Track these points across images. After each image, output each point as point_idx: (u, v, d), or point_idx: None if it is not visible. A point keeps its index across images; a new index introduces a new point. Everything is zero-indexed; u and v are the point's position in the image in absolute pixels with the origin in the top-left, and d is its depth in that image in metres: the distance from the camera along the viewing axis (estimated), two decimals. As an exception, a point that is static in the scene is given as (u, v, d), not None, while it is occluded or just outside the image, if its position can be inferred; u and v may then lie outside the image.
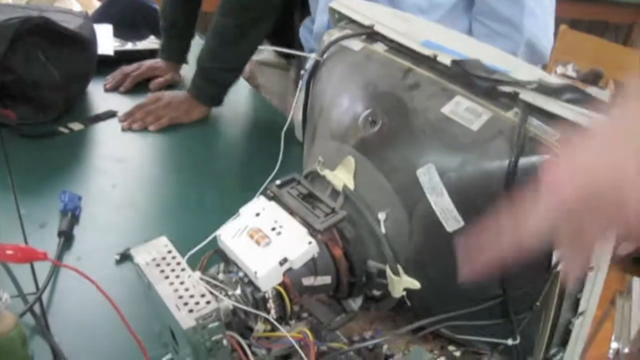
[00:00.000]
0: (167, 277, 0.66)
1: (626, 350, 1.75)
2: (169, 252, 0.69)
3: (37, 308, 0.97)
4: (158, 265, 0.68)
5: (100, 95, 1.64)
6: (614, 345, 1.79)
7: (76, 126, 1.46)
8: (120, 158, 1.38)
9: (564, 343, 0.79)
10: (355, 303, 0.78)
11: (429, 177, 0.68)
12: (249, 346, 0.72)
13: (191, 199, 1.26)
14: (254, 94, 1.79)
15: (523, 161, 0.65)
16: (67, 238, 1.11)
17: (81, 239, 1.12)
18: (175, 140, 1.48)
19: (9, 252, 0.47)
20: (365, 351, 0.77)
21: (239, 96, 1.70)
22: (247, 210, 0.75)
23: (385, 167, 0.72)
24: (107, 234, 1.15)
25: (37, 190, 1.24)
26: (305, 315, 0.79)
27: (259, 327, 0.73)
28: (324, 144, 0.79)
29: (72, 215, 1.15)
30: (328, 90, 0.81)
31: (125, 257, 1.07)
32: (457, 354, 0.83)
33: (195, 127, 1.53)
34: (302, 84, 0.88)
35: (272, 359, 0.74)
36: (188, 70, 1.71)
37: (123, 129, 1.48)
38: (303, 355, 0.70)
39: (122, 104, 1.58)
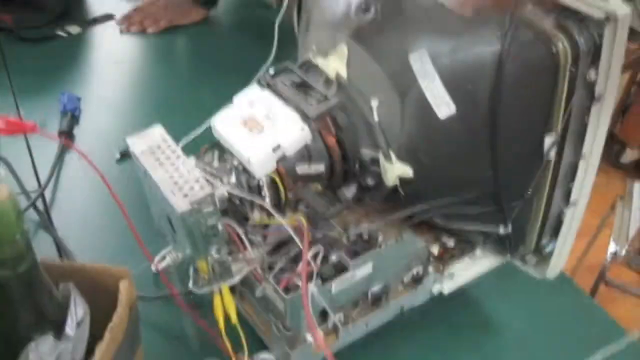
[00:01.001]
0: (162, 165, 0.67)
1: (623, 252, 1.78)
2: (164, 140, 0.70)
3: (40, 205, 0.99)
4: (153, 153, 0.68)
5: (98, -2, 1.62)
6: (612, 247, 1.82)
7: (74, 29, 1.45)
8: (118, 60, 1.38)
9: (555, 233, 0.80)
10: (349, 191, 0.79)
11: (421, 62, 0.67)
12: (245, 234, 0.73)
13: (189, 97, 1.26)
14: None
15: (515, 45, 0.65)
16: (67, 137, 1.12)
17: (81, 138, 1.14)
18: (173, 41, 1.47)
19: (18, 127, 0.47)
20: (360, 240, 0.79)
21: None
22: (241, 99, 0.75)
23: (378, 54, 0.72)
24: (107, 133, 1.16)
25: (36, 93, 1.24)
26: (301, 207, 0.80)
27: (255, 215, 0.75)
28: (317, 33, 0.79)
29: (71, 116, 1.16)
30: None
31: (125, 156, 1.08)
32: (451, 243, 0.85)
33: (193, 28, 1.51)
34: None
35: (267, 246, 0.76)
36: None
37: (121, 32, 1.47)
38: (298, 241, 0.71)
39: (119, 7, 1.56)
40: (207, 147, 0.78)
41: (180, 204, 0.63)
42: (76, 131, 1.16)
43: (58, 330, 0.50)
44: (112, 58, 1.38)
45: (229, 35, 1.54)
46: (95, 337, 0.51)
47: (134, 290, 0.54)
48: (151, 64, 1.42)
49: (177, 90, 1.30)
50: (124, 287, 0.53)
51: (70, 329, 0.50)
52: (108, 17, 1.51)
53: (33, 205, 0.97)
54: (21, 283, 0.48)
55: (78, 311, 0.51)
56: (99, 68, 1.36)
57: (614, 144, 2.98)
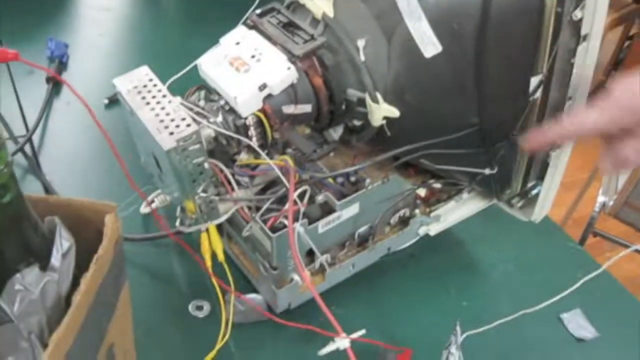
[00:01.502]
0: (148, 104, 0.67)
1: (611, 203, 1.78)
2: (150, 80, 0.70)
3: (28, 149, 0.99)
4: (139, 92, 0.68)
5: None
6: (601, 198, 1.83)
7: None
8: (107, 7, 1.37)
9: (541, 176, 0.81)
10: (336, 133, 0.80)
11: (407, 1, 0.67)
12: (232, 174, 0.74)
13: (179, 42, 1.26)
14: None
15: (501, -16, 0.64)
16: (55, 84, 1.11)
17: (70, 84, 1.13)
18: (163, -12, 1.46)
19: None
20: (347, 183, 0.79)
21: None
22: (227, 39, 0.75)
23: (363, -6, 0.71)
24: (95, 79, 1.16)
25: (23, 38, 1.23)
26: (289, 150, 0.80)
27: (242, 156, 0.75)
28: (305, -27, 0.78)
29: (59, 62, 1.15)
30: None
31: (113, 101, 1.08)
32: (437, 185, 0.85)
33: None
34: None
35: (255, 187, 0.76)
36: None
37: (109, -21, 1.45)
38: (285, 181, 0.71)
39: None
40: (194, 88, 0.78)
41: (166, 142, 0.64)
42: (64, 77, 1.15)
43: (44, 262, 0.51)
44: (100, 5, 1.37)
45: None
46: (80, 270, 0.51)
47: (120, 224, 0.54)
48: (139, 10, 1.40)
49: (166, 36, 1.29)
50: (109, 220, 0.53)
51: (55, 260, 0.51)
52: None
53: (21, 149, 0.97)
54: (5, 214, 0.48)
55: (63, 243, 0.51)
56: (88, 14, 1.35)
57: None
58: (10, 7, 1.29)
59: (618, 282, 0.90)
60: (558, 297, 0.81)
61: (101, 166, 0.98)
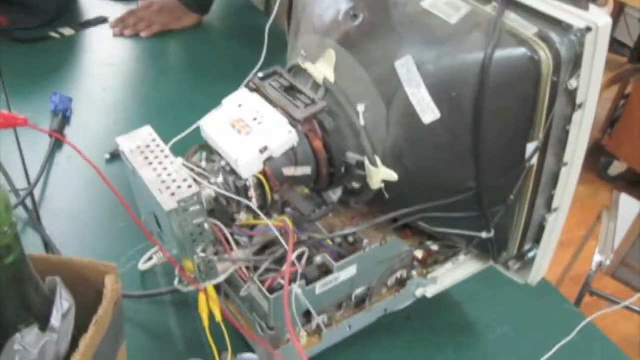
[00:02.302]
0: (150, 164, 0.68)
1: (608, 262, 1.79)
2: (153, 140, 0.71)
3: (29, 203, 1.00)
4: (142, 152, 0.70)
5: (91, 2, 1.63)
6: (597, 258, 1.83)
7: (67, 31, 1.46)
8: (111, 63, 1.39)
9: (538, 240, 0.81)
10: (335, 195, 0.81)
11: (406, 68, 0.69)
12: (231, 234, 0.74)
13: (180, 100, 1.28)
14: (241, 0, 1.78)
15: (499, 54, 0.66)
16: (57, 138, 1.13)
17: (72, 139, 1.14)
18: (166, 45, 1.49)
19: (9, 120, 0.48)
20: (345, 244, 0.80)
21: (228, 1, 1.70)
22: (230, 101, 0.76)
23: (365, 60, 0.73)
24: (97, 134, 1.17)
25: (28, 93, 1.25)
26: (288, 210, 0.81)
27: (242, 216, 0.76)
28: (307, 39, 0.80)
29: (62, 116, 1.17)
30: (311, -14, 0.82)
31: (115, 157, 1.09)
32: (435, 247, 0.86)
33: (185, 33, 1.53)
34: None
35: (254, 247, 0.77)
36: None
37: (115, 35, 1.48)
38: (283, 242, 0.72)
39: (113, 10, 1.58)
40: (196, 148, 0.79)
41: (167, 202, 0.64)
42: (67, 131, 1.17)
43: (44, 322, 0.51)
44: (105, 60, 1.40)
45: (221, 40, 1.56)
46: (80, 331, 0.52)
47: (120, 286, 0.55)
48: (144, 67, 1.43)
49: (169, 93, 1.31)
50: (109, 281, 0.54)
51: (55, 321, 0.51)
52: (102, 20, 1.53)
53: (22, 203, 0.98)
54: (8, 274, 0.49)
55: (64, 304, 0.52)
56: (92, 70, 1.37)
57: (602, 157, 3.00)
58: (17, 61, 1.31)
59: (612, 342, 0.90)
60: (553, 356, 0.81)
61: (101, 221, 0.99)
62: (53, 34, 1.44)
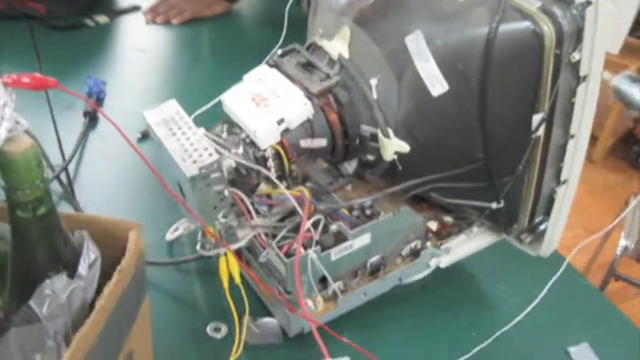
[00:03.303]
0: (174, 134, 0.73)
1: (632, 246, 1.80)
2: (177, 112, 0.75)
3: (64, 178, 1.05)
4: (167, 124, 0.74)
5: (124, -9, 1.69)
6: (622, 242, 1.84)
7: (102, 19, 1.51)
8: (144, 49, 1.44)
9: (548, 212, 0.84)
10: (351, 166, 0.84)
11: (416, 43, 0.72)
12: (252, 204, 0.79)
13: (210, 84, 1.32)
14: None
15: (503, 28, 0.69)
16: (91, 118, 1.18)
17: (105, 119, 1.19)
18: (197, 32, 1.53)
19: (25, 79, 0.53)
20: (362, 215, 0.84)
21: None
22: (250, 77, 0.80)
23: (377, 36, 0.76)
24: (130, 115, 1.21)
25: (64, 76, 1.28)
26: (307, 184, 0.85)
27: (262, 186, 0.80)
28: (323, 17, 0.84)
29: (96, 98, 1.22)
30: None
31: (146, 136, 1.14)
32: (448, 219, 0.89)
33: (216, 20, 1.58)
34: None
35: (273, 216, 0.81)
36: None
37: (147, 22, 1.53)
38: (300, 211, 0.76)
39: (146, -1, 1.63)
40: (221, 122, 0.83)
41: (190, 169, 0.69)
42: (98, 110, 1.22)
43: (71, 271, 0.56)
44: (138, 47, 1.45)
45: (250, 26, 1.60)
46: (105, 281, 0.56)
47: (142, 242, 0.59)
48: (175, 53, 1.48)
49: (200, 78, 1.36)
50: (132, 236, 0.58)
51: (82, 269, 0.56)
52: (135, 8, 1.58)
53: (57, 177, 1.03)
54: (39, 225, 0.53)
55: (90, 255, 0.57)
56: (125, 56, 1.42)
57: (634, 145, 2.99)
58: (53, 48, 1.37)
59: (627, 317, 0.92)
60: (566, 330, 0.83)
61: (132, 195, 1.04)
62: (88, 22, 1.50)
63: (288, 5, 0.91)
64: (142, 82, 1.34)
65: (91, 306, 0.55)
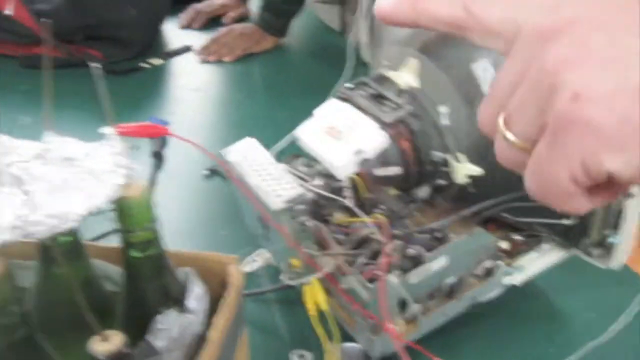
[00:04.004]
0: (256, 170, 0.76)
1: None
2: (257, 149, 0.78)
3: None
4: (247, 160, 0.77)
5: (175, 32, 1.74)
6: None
7: (156, 61, 1.57)
8: (198, 88, 1.49)
9: (616, 225, 0.86)
10: (423, 192, 0.87)
11: (483, 70, 0.75)
12: (329, 232, 0.81)
13: (265, 118, 1.36)
14: (317, 21, 1.86)
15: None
16: (159, 158, 1.22)
17: (171, 158, 1.23)
18: (248, 68, 1.58)
19: (137, 128, 0.57)
20: (433, 238, 0.86)
21: (304, 24, 1.77)
22: (321, 111, 0.83)
23: (444, 64, 0.79)
24: (194, 154, 1.25)
25: (127, 119, 1.34)
26: (375, 210, 0.88)
27: (337, 216, 0.83)
28: (389, 49, 0.87)
29: (162, 139, 1.26)
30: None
31: (212, 173, 1.17)
32: (519, 238, 0.91)
33: (266, 55, 1.62)
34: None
35: (348, 244, 0.83)
36: (254, 4, 1.81)
37: (200, 62, 1.58)
38: (379, 237, 0.78)
39: (196, 39, 1.68)
40: (292, 156, 0.87)
41: (275, 203, 0.72)
42: (166, 152, 1.26)
43: (179, 306, 0.59)
44: (193, 86, 1.49)
45: (299, 60, 1.64)
46: (208, 315, 0.60)
47: (241, 274, 0.62)
48: (229, 89, 1.52)
49: (254, 112, 1.40)
50: (233, 269, 0.61)
51: (191, 304, 0.59)
52: (186, 48, 1.63)
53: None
54: (151, 264, 0.57)
55: (197, 290, 0.60)
56: (182, 95, 1.47)
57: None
58: (112, 91, 1.40)
59: None
60: None
61: (205, 231, 1.07)
62: (143, 65, 1.55)
63: (350, 40, 0.95)
64: (201, 120, 1.38)
65: (200, 339, 0.58)
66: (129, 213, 0.54)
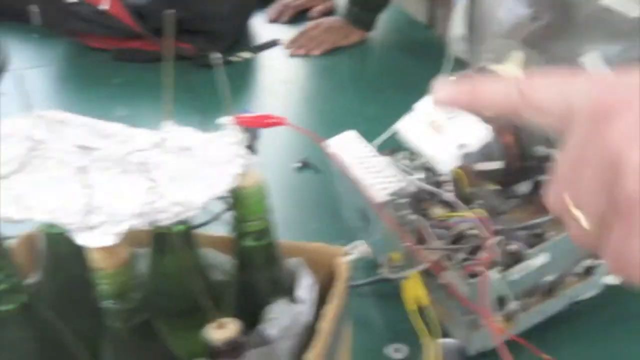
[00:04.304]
0: (359, 162, 0.76)
1: None
2: (358, 141, 0.79)
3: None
4: (350, 153, 0.77)
5: (263, 26, 1.76)
6: None
7: (246, 55, 1.58)
8: (288, 80, 1.50)
9: None
10: (524, 187, 0.86)
11: (593, 62, 0.73)
12: (429, 226, 0.81)
13: (354, 111, 1.36)
14: (403, 14, 1.85)
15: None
16: (251, 151, 1.23)
17: (263, 151, 1.25)
18: (336, 61, 1.58)
19: (256, 118, 0.58)
20: (531, 236, 0.85)
21: (390, 17, 1.77)
22: (422, 105, 0.83)
23: (550, 57, 0.78)
24: (285, 146, 1.27)
25: (217, 112, 1.37)
26: (477, 202, 0.87)
27: (436, 210, 0.82)
28: (491, 43, 0.86)
29: (254, 131, 1.27)
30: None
31: (304, 166, 1.18)
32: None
33: (353, 48, 1.62)
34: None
35: (447, 238, 0.83)
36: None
37: (289, 55, 1.60)
38: (481, 231, 0.78)
39: (284, 33, 1.69)
40: (391, 149, 0.86)
41: (379, 196, 0.72)
42: (257, 145, 1.27)
43: (290, 296, 0.59)
44: (282, 79, 1.51)
45: (387, 53, 1.64)
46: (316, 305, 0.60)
47: (348, 265, 0.63)
48: (318, 82, 1.53)
49: (343, 106, 1.40)
50: (340, 261, 0.62)
51: (302, 293, 0.59)
52: (275, 42, 1.65)
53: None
54: (264, 253, 0.57)
55: (307, 280, 0.60)
56: (272, 88, 1.49)
57: None
58: (204, 84, 1.44)
59: None
60: None
61: (297, 224, 1.08)
62: (234, 58, 1.57)
63: (451, 33, 0.94)
64: (291, 113, 1.39)
65: (310, 329, 0.58)
66: (245, 203, 0.55)
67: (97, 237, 0.47)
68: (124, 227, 0.47)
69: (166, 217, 0.48)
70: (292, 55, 1.60)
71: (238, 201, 0.55)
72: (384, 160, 0.75)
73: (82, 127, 0.58)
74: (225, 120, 0.56)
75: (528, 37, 0.80)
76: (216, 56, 0.57)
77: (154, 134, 0.58)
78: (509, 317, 0.85)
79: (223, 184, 0.51)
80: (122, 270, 0.49)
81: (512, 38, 0.81)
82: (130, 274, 0.50)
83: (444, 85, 0.47)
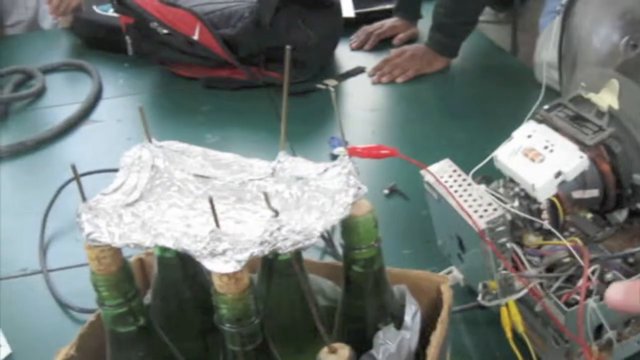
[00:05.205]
0: (456, 191, 0.77)
1: None
2: (454, 170, 0.80)
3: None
4: (446, 181, 0.79)
5: (347, 54, 1.79)
6: None
7: (331, 82, 1.62)
8: (374, 108, 1.53)
9: None
10: (621, 216, 0.86)
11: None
12: (523, 254, 0.82)
13: (442, 138, 1.37)
14: (485, 41, 1.85)
15: None
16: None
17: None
18: (421, 88, 1.60)
19: (366, 150, 0.60)
20: (624, 264, 0.84)
21: (472, 43, 1.77)
22: (520, 133, 0.84)
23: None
24: (374, 171, 1.29)
25: (307, 138, 1.41)
26: (571, 230, 0.87)
27: (531, 237, 0.83)
28: (585, 71, 0.86)
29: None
30: (586, 22, 0.88)
31: (393, 192, 1.20)
32: None
33: (437, 76, 1.64)
34: (557, 20, 0.95)
35: (541, 266, 0.83)
36: (422, 24, 1.83)
37: (373, 83, 1.62)
38: (579, 259, 0.78)
39: (368, 60, 1.72)
40: (482, 177, 0.87)
41: (479, 223, 0.73)
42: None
43: (397, 322, 0.61)
44: (368, 106, 1.53)
45: (471, 80, 1.64)
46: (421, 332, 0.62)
47: (451, 294, 0.64)
48: (403, 109, 1.55)
49: (430, 133, 1.41)
50: (446, 288, 0.63)
51: (407, 320, 0.61)
52: (359, 70, 1.68)
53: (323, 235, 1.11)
54: (372, 280, 0.59)
55: (412, 307, 0.62)
56: (357, 115, 1.51)
57: None
58: (292, 111, 1.46)
59: None
60: None
61: (389, 250, 1.09)
62: (320, 86, 1.60)
63: (542, 60, 0.94)
64: (378, 140, 1.41)
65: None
66: (356, 231, 0.57)
67: (221, 263, 0.50)
68: (247, 254, 0.49)
69: (286, 245, 0.51)
70: (376, 83, 1.62)
71: (349, 229, 0.57)
72: (480, 189, 0.77)
73: (198, 156, 0.62)
74: (339, 150, 0.58)
75: (623, 65, 0.80)
76: (330, 89, 0.59)
77: (268, 164, 0.60)
78: (605, 347, 0.84)
79: (337, 213, 0.54)
80: (243, 295, 0.51)
81: (607, 66, 0.82)
82: (250, 299, 0.52)
83: (618, 289, 0.47)
